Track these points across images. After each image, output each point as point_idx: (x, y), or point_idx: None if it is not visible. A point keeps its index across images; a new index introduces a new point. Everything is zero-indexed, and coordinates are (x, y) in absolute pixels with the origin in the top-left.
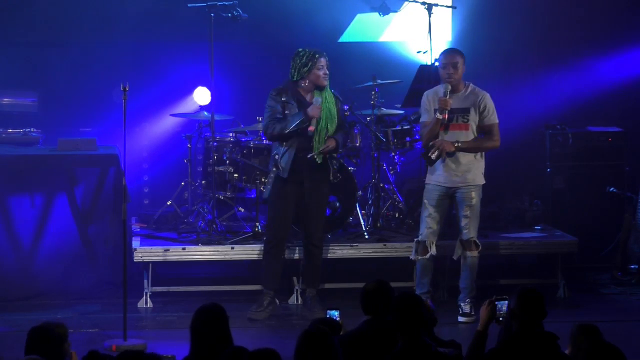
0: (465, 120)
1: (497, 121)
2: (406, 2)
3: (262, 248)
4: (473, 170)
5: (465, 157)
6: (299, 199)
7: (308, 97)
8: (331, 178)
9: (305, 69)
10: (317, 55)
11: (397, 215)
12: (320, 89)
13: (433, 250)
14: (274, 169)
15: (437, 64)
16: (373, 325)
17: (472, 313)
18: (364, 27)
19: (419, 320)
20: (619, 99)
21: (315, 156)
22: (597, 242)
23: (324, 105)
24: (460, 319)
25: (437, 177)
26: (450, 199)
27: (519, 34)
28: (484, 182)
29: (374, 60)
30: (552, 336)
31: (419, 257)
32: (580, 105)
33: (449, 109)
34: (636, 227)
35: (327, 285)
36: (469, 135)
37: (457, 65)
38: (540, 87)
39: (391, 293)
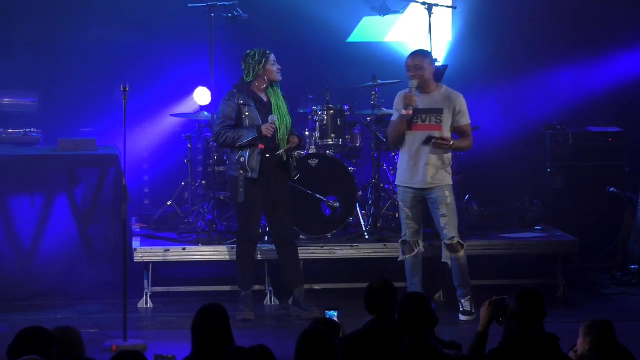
0: (438, 121)
1: (470, 122)
2: (411, 3)
3: (236, 249)
4: (441, 171)
5: (433, 159)
6: (264, 198)
7: (263, 96)
8: (292, 175)
9: (260, 66)
10: (267, 52)
11: (397, 215)
12: (272, 85)
13: (420, 248)
14: (241, 172)
15: (437, 63)
16: (377, 325)
17: (473, 311)
18: (368, 29)
19: (425, 321)
20: (619, 99)
21: (281, 153)
22: (597, 242)
23: (277, 102)
24: (462, 317)
25: (407, 179)
26: (423, 200)
27: (518, 34)
28: (452, 182)
29: (374, 60)
30: (553, 337)
31: (407, 256)
32: (580, 105)
33: (413, 105)
34: (636, 227)
35: (327, 285)
36: (442, 135)
37: (420, 66)
38: (540, 87)
39: (395, 293)
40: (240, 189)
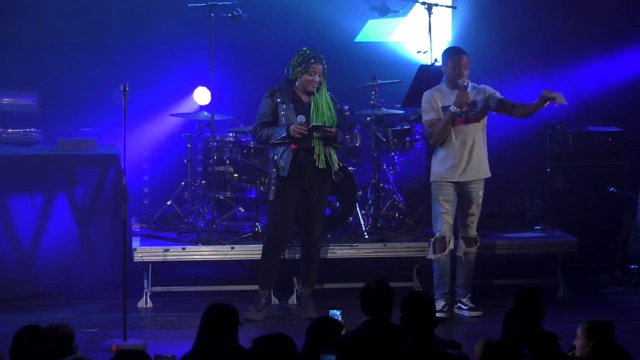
0: (474, 114)
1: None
2: (415, 4)
3: (262, 248)
4: (483, 162)
5: (476, 150)
6: (299, 199)
7: (304, 98)
8: (333, 177)
9: (299, 69)
10: (312, 61)
11: (397, 215)
12: (308, 94)
13: (451, 245)
14: (274, 170)
15: (437, 63)
16: (373, 326)
17: (475, 307)
18: (372, 30)
19: (429, 320)
20: (619, 99)
21: (311, 126)
22: (597, 242)
23: (318, 103)
24: (470, 313)
25: (451, 174)
26: (459, 195)
27: (518, 34)
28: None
29: (374, 60)
30: (552, 336)
31: (438, 255)
32: (580, 105)
33: (469, 102)
34: (636, 227)
35: (327, 285)
36: (480, 127)
37: (468, 65)
38: (540, 87)
39: (391, 293)
40: (272, 187)
